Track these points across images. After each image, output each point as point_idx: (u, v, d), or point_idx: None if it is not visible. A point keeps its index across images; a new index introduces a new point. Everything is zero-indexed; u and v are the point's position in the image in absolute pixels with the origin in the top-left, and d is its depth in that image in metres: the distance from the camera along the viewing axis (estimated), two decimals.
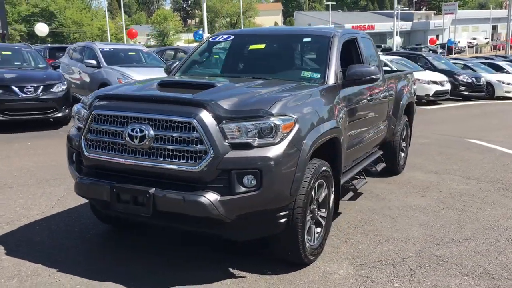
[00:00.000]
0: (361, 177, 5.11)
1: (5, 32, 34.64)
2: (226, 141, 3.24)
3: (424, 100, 16.74)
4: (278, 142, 3.31)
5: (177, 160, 3.29)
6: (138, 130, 3.35)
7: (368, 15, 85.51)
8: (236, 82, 4.25)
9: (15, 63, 11.10)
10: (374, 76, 4.47)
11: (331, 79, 4.36)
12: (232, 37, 5.17)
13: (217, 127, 3.24)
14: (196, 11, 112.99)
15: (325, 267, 3.85)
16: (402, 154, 6.98)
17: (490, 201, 5.67)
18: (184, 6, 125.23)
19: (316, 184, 3.78)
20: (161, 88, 3.92)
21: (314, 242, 3.90)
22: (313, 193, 3.77)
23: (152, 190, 3.30)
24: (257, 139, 3.27)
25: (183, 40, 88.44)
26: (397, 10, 58.24)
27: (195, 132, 3.23)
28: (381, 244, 4.35)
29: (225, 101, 3.39)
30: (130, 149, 3.42)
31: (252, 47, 5.07)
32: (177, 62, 5.20)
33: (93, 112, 3.60)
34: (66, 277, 3.56)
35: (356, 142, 4.83)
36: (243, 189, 3.25)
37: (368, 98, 5.08)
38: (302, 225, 3.58)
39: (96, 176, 3.61)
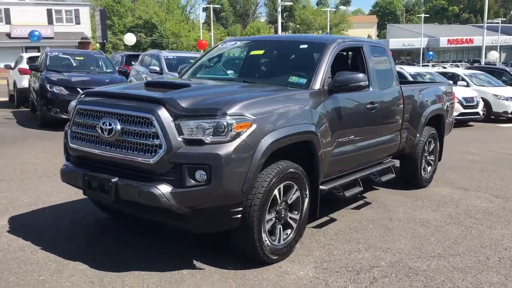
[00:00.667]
0: (357, 185, 5.05)
1: (105, 41, 37.47)
2: (181, 136, 3.45)
3: (503, 117, 15.75)
4: (230, 141, 3.46)
5: (137, 153, 3.55)
6: (108, 124, 3.67)
7: (467, 28, 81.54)
8: (216, 84, 4.46)
9: (87, 67, 12.11)
10: (362, 83, 4.46)
11: (317, 85, 4.42)
12: (238, 43, 5.39)
13: (173, 123, 3.46)
14: (290, 23, 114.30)
15: (286, 267, 3.92)
16: (429, 168, 6.75)
17: (506, 220, 5.36)
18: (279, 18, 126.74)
19: (281, 185, 3.87)
20: (146, 88, 4.22)
21: (279, 242, 3.97)
22: (277, 193, 3.86)
23: (115, 179, 3.59)
24: (211, 137, 3.45)
25: None
26: (496, 23, 55.19)
27: (152, 127, 3.48)
28: (358, 252, 4.32)
29: (185, 100, 3.61)
30: (102, 140, 3.75)
31: (252, 52, 5.24)
32: (187, 66, 5.50)
33: (77, 106, 3.99)
34: (44, 254, 3.95)
35: (349, 149, 4.80)
36: (193, 182, 3.44)
37: (369, 107, 5.04)
38: (258, 222, 3.68)
39: (77, 165, 3.98)
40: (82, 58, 12.43)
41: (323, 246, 4.43)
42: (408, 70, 15.99)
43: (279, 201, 3.93)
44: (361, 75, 4.47)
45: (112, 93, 4.01)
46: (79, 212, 5.08)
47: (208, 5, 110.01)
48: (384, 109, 5.38)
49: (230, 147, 3.44)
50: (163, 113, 3.49)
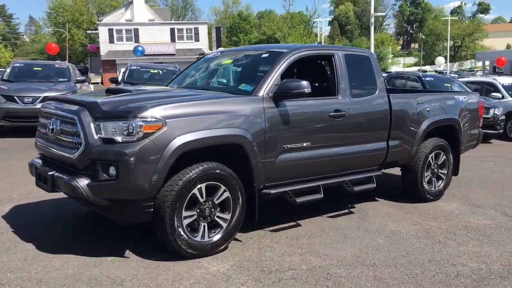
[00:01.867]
0: (318, 192, 5.08)
1: None
2: (98, 136, 3.91)
3: None
4: (138, 140, 3.84)
5: (67, 149, 4.10)
6: (52, 123, 4.27)
7: None
8: (154, 90, 4.86)
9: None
10: (304, 90, 4.55)
11: (261, 92, 4.61)
12: (219, 53, 5.73)
13: (93, 124, 3.94)
14: (420, 34, 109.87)
15: (204, 263, 4.16)
16: (439, 182, 6.44)
17: (489, 239, 5.01)
18: (408, 29, 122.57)
19: (203, 185, 4.15)
20: (105, 94, 4.76)
21: (203, 239, 4.23)
22: (197, 192, 4.14)
23: (52, 172, 4.16)
24: (122, 137, 3.86)
25: (402, 64, 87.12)
26: None
27: (76, 127, 3.99)
28: (291, 256, 4.40)
29: (107, 104, 4.08)
30: (49, 138, 4.36)
31: (223, 62, 5.55)
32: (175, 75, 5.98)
33: (41, 109, 4.66)
34: (12, 237, 4.64)
35: (304, 156, 4.88)
36: (106, 177, 3.87)
37: (333, 115, 5.07)
38: (170, 217, 3.98)
39: (38, 160, 4.63)
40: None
41: (261, 248, 4.58)
42: (502, 81, 14.94)
43: (201, 200, 4.19)
44: (304, 83, 4.57)
45: (63, 98, 4.61)
46: (76, 204, 5.70)
47: (332, 19, 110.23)
48: (358, 118, 5.34)
49: (136, 146, 3.82)
50: (85, 115, 3.98)
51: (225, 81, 5.29)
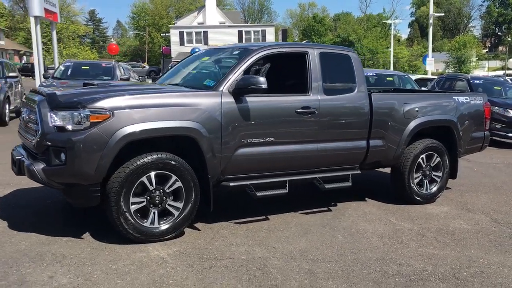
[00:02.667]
0: (283, 188, 5.14)
1: None
2: (52, 124, 4.25)
3: None
4: (85, 129, 4.13)
5: (31, 136, 4.48)
6: (24, 113, 4.69)
7: None
8: (119, 85, 5.16)
9: None
10: (261, 86, 4.66)
11: (221, 87, 4.76)
12: (201, 50, 5.95)
13: (49, 113, 4.28)
14: (508, 37, 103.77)
15: (149, 247, 4.37)
16: (433, 185, 6.25)
17: (455, 244, 4.84)
18: (496, 31, 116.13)
19: (152, 173, 4.38)
20: (81, 87, 5.13)
21: (153, 225, 4.46)
22: (146, 180, 4.37)
23: (20, 157, 4.57)
24: (73, 125, 4.17)
25: (486, 68, 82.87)
26: None
27: (36, 115, 4.37)
28: (238, 246, 4.50)
29: (64, 95, 4.42)
30: (22, 126, 4.78)
31: (202, 59, 5.75)
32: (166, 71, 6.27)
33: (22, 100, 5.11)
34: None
35: (267, 151, 4.96)
36: (57, 162, 4.21)
37: (300, 111, 5.11)
38: (116, 203, 4.24)
39: (21, 147, 5.07)
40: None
41: (214, 237, 4.73)
42: None
43: (150, 188, 4.42)
44: (261, 79, 4.67)
45: (37, 90, 5.00)
46: None
47: (412, 21, 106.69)
48: (331, 115, 5.34)
49: (83, 135, 4.12)
50: (44, 105, 4.34)
51: (198, 77, 5.48)
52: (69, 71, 13.80)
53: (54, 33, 18.68)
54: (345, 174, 5.60)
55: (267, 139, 4.97)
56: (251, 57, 5.03)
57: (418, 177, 6.14)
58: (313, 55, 5.35)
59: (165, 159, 4.42)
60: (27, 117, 4.65)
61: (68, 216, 5.27)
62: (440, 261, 4.37)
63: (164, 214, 4.57)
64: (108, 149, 4.16)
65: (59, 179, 4.26)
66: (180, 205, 4.58)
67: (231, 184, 4.89)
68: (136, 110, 4.30)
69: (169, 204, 4.54)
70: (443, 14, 52.35)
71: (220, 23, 50.77)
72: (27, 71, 36.48)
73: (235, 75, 4.84)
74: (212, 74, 5.28)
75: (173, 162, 4.45)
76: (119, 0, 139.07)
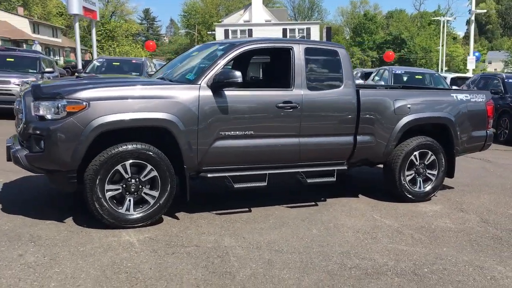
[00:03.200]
0: (263, 180, 5.25)
1: None
2: (34, 113, 4.54)
3: None
4: (62, 118, 4.40)
5: (19, 125, 4.80)
6: (16, 104, 5.02)
7: None
8: (104, 78, 5.40)
9: None
10: (236, 80, 4.79)
11: (199, 81, 4.92)
12: (200, 46, 6.13)
13: (33, 103, 4.58)
14: None
15: (123, 233, 4.57)
16: (428, 183, 6.17)
17: (429, 242, 4.80)
18: None
19: (127, 163, 4.60)
20: (74, 79, 5.42)
21: (128, 211, 4.68)
22: (121, 168, 4.59)
23: (9, 144, 4.89)
24: (51, 115, 4.45)
25: None
26: None
27: (22, 105, 4.68)
28: (208, 235, 4.63)
29: (47, 87, 4.71)
30: (15, 116, 5.11)
31: (193, 54, 5.92)
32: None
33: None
34: None
35: (246, 144, 5.07)
36: (37, 149, 4.49)
37: (282, 105, 5.19)
38: (91, 189, 4.49)
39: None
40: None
41: (189, 226, 4.89)
42: None
43: (126, 176, 4.64)
44: (236, 73, 4.80)
45: (28, 83, 5.32)
46: None
47: (469, 18, 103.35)
48: (314, 110, 5.39)
49: (60, 123, 4.38)
50: (29, 95, 4.64)
51: (183, 71, 5.65)
52: (101, 67, 14.38)
53: (94, 30, 19.43)
54: (331, 170, 5.63)
55: (246, 132, 5.08)
56: (232, 52, 5.15)
57: (411, 174, 6.08)
58: (298, 51, 5.41)
59: (140, 149, 4.62)
60: (17, 107, 4.96)
61: (58, 201, 5.56)
62: (405, 257, 4.36)
63: (142, 202, 4.77)
64: (83, 138, 4.40)
65: (40, 165, 4.54)
66: (156, 193, 4.77)
67: (209, 175, 5.04)
68: (112, 101, 4.52)
69: (145, 193, 4.74)
70: (485, 10, 50.02)
71: (266, 21, 50.95)
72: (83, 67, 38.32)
73: (215, 70, 4.98)
74: (195, 68, 5.44)
75: (148, 152, 4.65)
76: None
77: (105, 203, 4.57)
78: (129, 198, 4.70)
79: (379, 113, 5.76)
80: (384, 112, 5.78)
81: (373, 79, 15.62)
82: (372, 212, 5.64)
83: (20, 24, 62.77)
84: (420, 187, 6.14)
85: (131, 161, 4.62)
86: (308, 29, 46.17)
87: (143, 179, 4.72)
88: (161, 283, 3.63)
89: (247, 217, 5.26)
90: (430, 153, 6.12)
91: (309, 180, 5.48)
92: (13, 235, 4.42)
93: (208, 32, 63.67)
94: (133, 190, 4.69)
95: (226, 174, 5.11)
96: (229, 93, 4.97)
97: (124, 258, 4.03)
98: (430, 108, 6.06)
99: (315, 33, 45.88)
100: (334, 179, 5.63)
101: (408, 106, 5.90)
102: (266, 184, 5.25)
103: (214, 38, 55.95)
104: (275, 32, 45.80)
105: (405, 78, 13.59)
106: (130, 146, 4.59)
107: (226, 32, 46.40)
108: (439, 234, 5.00)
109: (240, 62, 5.38)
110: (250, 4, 53.58)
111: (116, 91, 4.65)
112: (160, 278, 3.72)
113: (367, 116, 5.69)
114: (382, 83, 13.54)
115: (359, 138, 5.70)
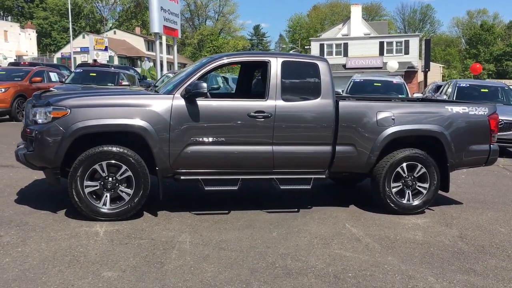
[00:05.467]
0: (235, 185, 5.60)
1: (427, 70, 37.67)
2: (32, 118, 5.36)
3: None
4: (48, 123, 5.16)
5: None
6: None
7: None
8: (100, 89, 6.03)
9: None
10: (202, 91, 5.27)
11: (174, 91, 5.46)
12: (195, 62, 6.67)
13: (32, 109, 5.40)
14: None
15: (97, 224, 5.21)
16: (418, 197, 6.11)
17: (381, 250, 4.86)
18: None
19: (104, 163, 5.24)
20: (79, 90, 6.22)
21: (105, 206, 5.30)
22: (99, 168, 5.24)
23: (17, 146, 5.77)
24: (42, 120, 5.23)
25: None
26: None
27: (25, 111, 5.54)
28: (173, 232, 5.10)
29: (45, 96, 5.51)
30: None
31: (187, 67, 6.44)
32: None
33: None
34: None
35: (216, 150, 5.48)
36: (32, 148, 5.30)
37: (254, 115, 5.54)
38: (71, 185, 5.18)
39: None
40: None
41: (160, 223, 5.38)
42: None
43: (103, 174, 5.27)
44: (202, 84, 5.29)
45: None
46: None
47: None
48: (288, 120, 5.66)
49: (45, 127, 5.15)
50: (31, 102, 5.48)
51: (171, 83, 6.17)
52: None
53: (175, 48, 20.89)
54: (307, 178, 5.83)
55: (217, 139, 5.50)
56: (209, 65, 5.63)
57: (398, 186, 6.06)
58: (275, 64, 5.73)
59: (115, 151, 5.23)
60: (31, 111, 5.83)
61: (66, 197, 6.34)
62: (341, 262, 4.49)
63: (119, 198, 5.37)
64: (63, 139, 5.11)
65: (34, 163, 5.33)
66: (130, 191, 5.35)
67: (182, 177, 5.52)
68: (91, 109, 5.20)
69: (120, 190, 5.34)
70: None
71: (364, 34, 50.33)
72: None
73: (190, 81, 5.48)
74: (177, 80, 5.96)
75: (122, 154, 5.24)
76: (285, 15, 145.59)
77: (83, 197, 5.23)
78: (107, 194, 5.32)
79: (360, 124, 5.86)
80: (365, 123, 5.87)
81: (441, 92, 15.09)
82: (347, 221, 5.74)
83: (136, 43, 68.30)
84: (408, 200, 6.10)
85: (107, 161, 5.24)
86: (407, 42, 44.78)
87: (119, 178, 5.32)
88: (95, 266, 4.17)
89: (220, 219, 5.64)
90: (419, 165, 6.06)
91: (282, 187, 5.74)
92: (6, 220, 5.23)
93: (305, 47, 64.27)
94: (109, 187, 5.30)
95: (199, 177, 5.55)
96: (201, 103, 5.43)
97: (80, 245, 4.63)
98: (417, 120, 6.02)
99: (414, 46, 44.40)
100: (309, 187, 5.83)
101: (392, 118, 5.92)
102: (237, 188, 5.61)
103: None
104: (372, 45, 45.14)
105: (469, 91, 13.05)
106: (105, 148, 5.22)
107: (322, 46, 46.57)
108: (397, 245, 5.02)
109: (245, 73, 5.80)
110: (349, 18, 53.33)
111: (96, 100, 5.32)
112: (97, 262, 4.26)
113: (346, 127, 5.82)
114: (445, 97, 13.10)
115: (338, 148, 5.84)
